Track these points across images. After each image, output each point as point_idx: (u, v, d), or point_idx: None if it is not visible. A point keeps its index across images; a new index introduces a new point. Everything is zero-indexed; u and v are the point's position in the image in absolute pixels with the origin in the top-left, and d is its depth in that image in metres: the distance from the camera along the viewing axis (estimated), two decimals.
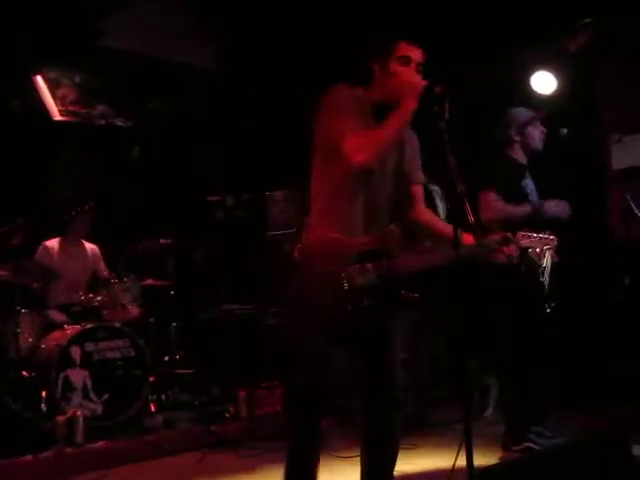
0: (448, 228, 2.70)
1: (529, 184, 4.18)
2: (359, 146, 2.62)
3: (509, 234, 2.79)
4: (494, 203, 3.97)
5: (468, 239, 2.67)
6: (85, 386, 4.62)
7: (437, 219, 2.96)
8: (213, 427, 4.80)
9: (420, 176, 2.94)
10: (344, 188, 2.72)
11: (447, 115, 2.62)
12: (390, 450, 2.85)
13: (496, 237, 2.75)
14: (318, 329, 2.66)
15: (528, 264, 3.63)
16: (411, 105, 2.63)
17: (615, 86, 5.48)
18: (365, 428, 2.84)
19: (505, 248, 2.73)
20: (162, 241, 5.59)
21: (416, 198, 2.92)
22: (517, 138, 4.21)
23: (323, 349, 2.68)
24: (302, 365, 2.74)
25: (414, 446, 4.30)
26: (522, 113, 4.26)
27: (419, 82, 2.67)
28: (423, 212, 2.94)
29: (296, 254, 2.74)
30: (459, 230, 2.50)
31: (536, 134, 4.24)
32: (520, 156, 4.23)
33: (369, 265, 2.65)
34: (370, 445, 2.85)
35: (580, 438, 3.01)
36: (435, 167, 2.84)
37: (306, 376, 2.72)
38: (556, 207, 4.07)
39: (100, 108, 6.29)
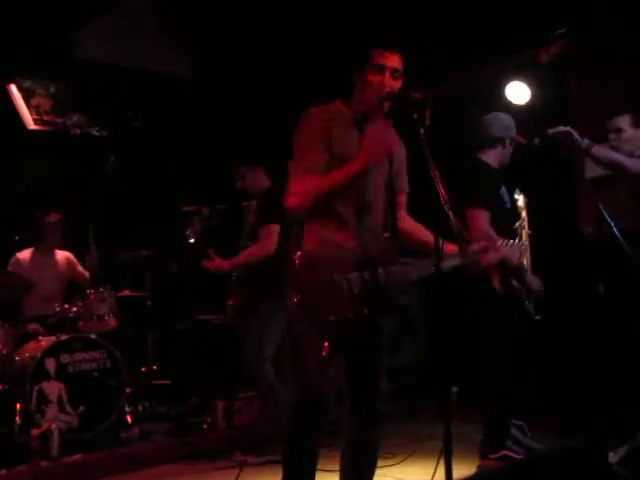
0: (430, 237, 2.75)
1: (504, 192, 4.18)
2: (297, 191, 2.71)
3: (487, 244, 2.83)
4: (485, 227, 3.85)
5: (451, 249, 2.69)
6: (60, 398, 4.57)
7: (420, 227, 2.96)
8: (190, 438, 4.78)
9: (406, 184, 2.97)
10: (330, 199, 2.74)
11: (428, 122, 2.63)
12: (370, 461, 2.88)
13: (476, 247, 2.77)
14: (318, 337, 2.65)
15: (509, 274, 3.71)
16: (360, 165, 2.66)
17: (587, 96, 5.56)
18: (346, 439, 2.87)
19: (485, 256, 2.77)
20: (138, 251, 5.55)
21: (400, 205, 2.95)
22: (507, 144, 4.15)
23: (323, 357, 2.66)
24: (302, 374, 2.74)
25: (393, 455, 4.31)
26: (505, 118, 4.22)
27: (383, 142, 2.67)
28: (405, 219, 2.96)
29: (296, 260, 2.73)
30: (442, 240, 2.53)
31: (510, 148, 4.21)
32: (497, 164, 4.19)
33: (366, 273, 2.66)
34: (350, 455, 2.86)
35: (557, 447, 3.04)
36: (418, 176, 2.87)
37: (306, 385, 2.73)
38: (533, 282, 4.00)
39: (75, 117, 6.25)
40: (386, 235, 2.80)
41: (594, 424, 4.22)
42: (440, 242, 2.52)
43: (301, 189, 2.71)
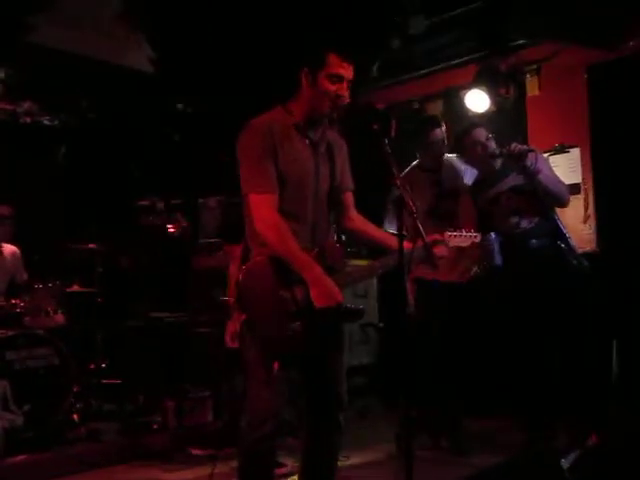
0: (380, 233, 2.94)
1: None
2: (270, 223, 2.64)
3: (438, 236, 2.86)
4: None
5: (406, 245, 2.66)
6: (5, 396, 4.42)
7: (370, 225, 2.97)
8: (140, 439, 4.70)
9: (350, 183, 2.95)
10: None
11: (392, 134, 2.62)
12: (329, 468, 2.88)
13: (427, 241, 2.78)
14: (267, 353, 2.65)
15: None
16: (310, 281, 2.60)
17: (545, 105, 5.68)
18: (305, 446, 2.86)
19: (436, 250, 2.79)
20: (89, 246, 5.42)
21: (347, 205, 2.94)
22: None
23: (274, 372, 2.66)
24: (254, 387, 2.70)
25: (346, 458, 4.29)
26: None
27: (335, 294, 2.60)
28: (355, 218, 2.96)
29: (241, 276, 2.68)
30: (399, 238, 2.53)
31: None
32: None
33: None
34: (309, 462, 2.87)
35: (512, 456, 3.09)
36: (382, 187, 2.87)
37: (258, 398, 2.69)
38: None
39: (26, 105, 6.05)
40: (333, 240, 2.81)
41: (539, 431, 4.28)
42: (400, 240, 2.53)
43: (272, 223, 2.64)
